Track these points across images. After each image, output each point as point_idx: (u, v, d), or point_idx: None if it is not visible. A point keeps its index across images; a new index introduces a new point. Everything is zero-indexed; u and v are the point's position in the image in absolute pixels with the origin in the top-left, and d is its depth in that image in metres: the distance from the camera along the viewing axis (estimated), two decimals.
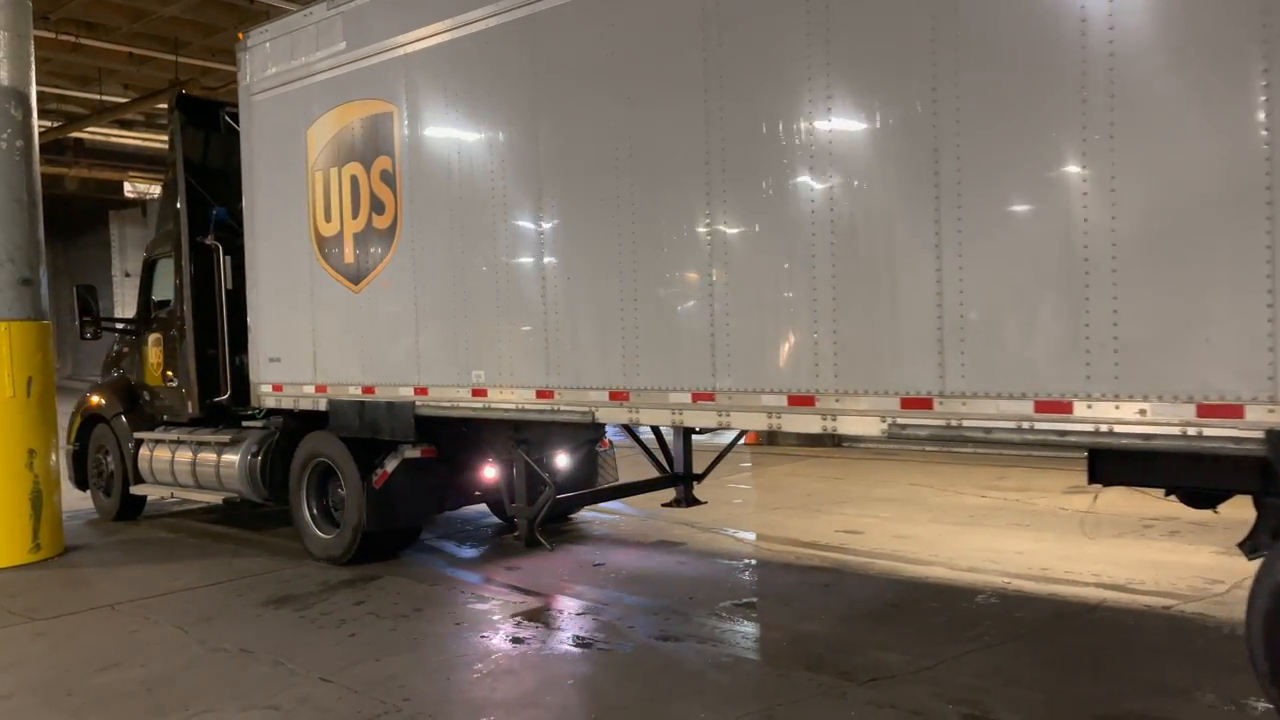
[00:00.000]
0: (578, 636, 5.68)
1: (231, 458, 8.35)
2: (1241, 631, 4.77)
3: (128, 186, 24.02)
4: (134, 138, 22.36)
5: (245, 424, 8.75)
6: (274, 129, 7.99)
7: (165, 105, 19.52)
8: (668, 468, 7.74)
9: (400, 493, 7.29)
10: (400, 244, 6.97)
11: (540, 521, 6.99)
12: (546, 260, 6.14)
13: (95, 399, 10.03)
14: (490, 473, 7.57)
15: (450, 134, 6.73)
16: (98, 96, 19.15)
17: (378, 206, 7.11)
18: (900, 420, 4.66)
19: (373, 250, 7.18)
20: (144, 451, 9.32)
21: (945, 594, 6.28)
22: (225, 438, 8.53)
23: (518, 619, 6.02)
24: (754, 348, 5.23)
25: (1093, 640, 5.35)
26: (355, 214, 7.27)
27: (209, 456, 8.61)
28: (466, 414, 6.69)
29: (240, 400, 8.64)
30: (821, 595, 6.34)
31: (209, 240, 8.67)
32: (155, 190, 24.56)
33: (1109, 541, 7.52)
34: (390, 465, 7.24)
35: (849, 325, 4.83)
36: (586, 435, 6.25)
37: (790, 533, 8.03)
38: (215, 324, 8.70)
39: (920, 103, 4.50)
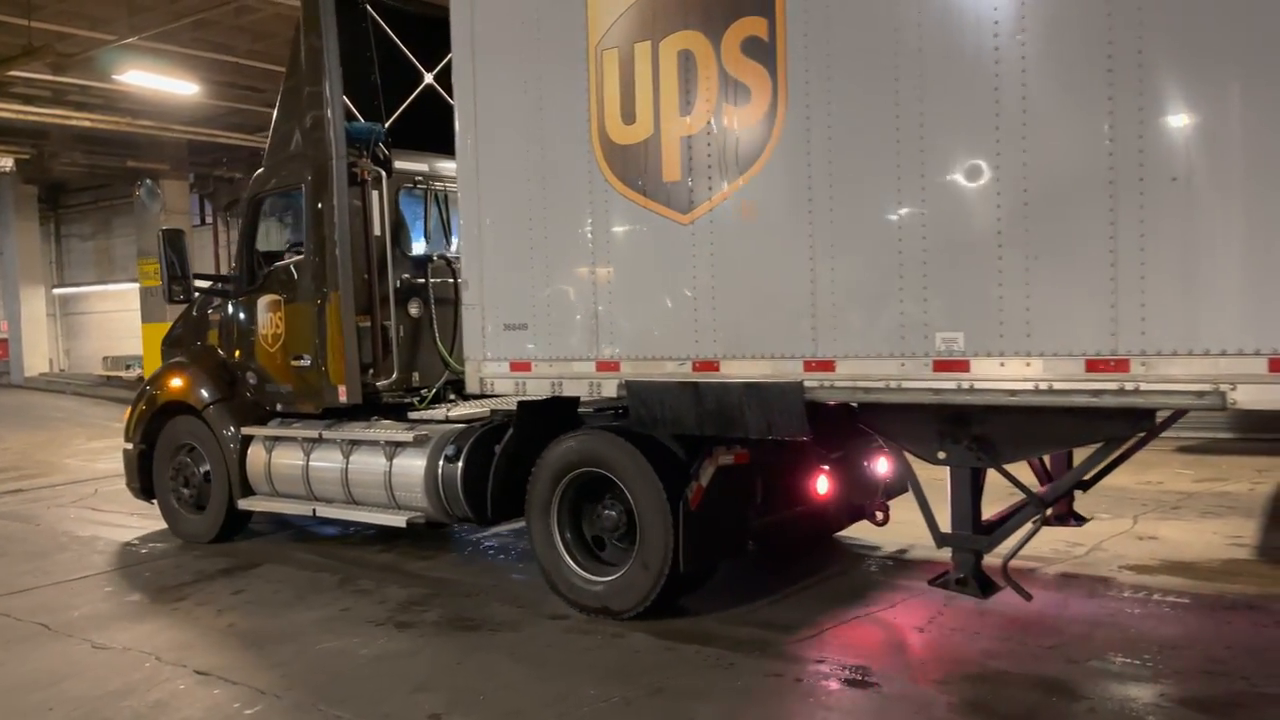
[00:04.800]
0: None
1: (413, 464, 6.42)
2: (1101, 591, 5.00)
3: None
4: None
5: (412, 416, 6.85)
6: None
7: (19, 73, 18.33)
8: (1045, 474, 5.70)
9: (716, 515, 5.29)
10: (781, 145, 4.95)
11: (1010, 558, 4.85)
12: (1128, 148, 4.09)
13: (175, 382, 7.75)
14: (822, 485, 5.79)
15: None
16: None
17: (735, 94, 5.06)
18: None
19: (722, 159, 5.15)
20: (255, 453, 7.29)
21: (837, 562, 6.45)
22: (404, 435, 6.50)
23: None
24: None
25: (967, 603, 5.57)
26: (686, 109, 5.21)
27: (372, 462, 6.65)
28: (921, 400, 4.64)
29: (404, 383, 6.94)
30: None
31: (365, 169, 6.80)
32: (8, 163, 23.06)
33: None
34: (705, 476, 5.26)
35: None
36: (1119, 430, 4.50)
37: None
38: (368, 282, 6.88)
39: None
